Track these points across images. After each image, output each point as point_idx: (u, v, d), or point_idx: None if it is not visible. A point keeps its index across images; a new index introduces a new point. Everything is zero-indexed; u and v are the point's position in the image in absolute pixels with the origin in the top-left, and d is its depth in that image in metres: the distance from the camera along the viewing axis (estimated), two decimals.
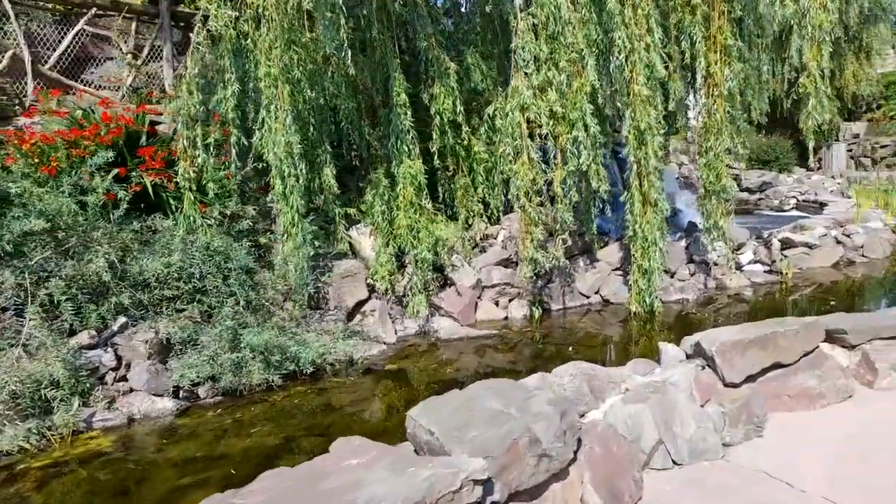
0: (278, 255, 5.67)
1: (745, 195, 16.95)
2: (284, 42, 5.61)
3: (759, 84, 9.36)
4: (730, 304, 7.17)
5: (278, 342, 4.82)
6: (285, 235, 5.51)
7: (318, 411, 4.53)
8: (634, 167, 6.59)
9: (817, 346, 4.44)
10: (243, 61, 5.98)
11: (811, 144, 7.55)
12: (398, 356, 5.74)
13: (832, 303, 6.84)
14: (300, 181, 5.52)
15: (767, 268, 8.51)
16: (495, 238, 7.76)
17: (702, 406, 3.74)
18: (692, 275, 7.96)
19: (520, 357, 5.77)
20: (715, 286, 7.84)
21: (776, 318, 4.59)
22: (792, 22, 7.23)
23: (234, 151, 5.81)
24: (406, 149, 6.50)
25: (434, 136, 6.86)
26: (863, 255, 9.00)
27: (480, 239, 7.66)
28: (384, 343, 5.97)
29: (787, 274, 8.12)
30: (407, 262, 6.57)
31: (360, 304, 6.36)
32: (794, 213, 14.93)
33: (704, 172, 7.33)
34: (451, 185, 7.41)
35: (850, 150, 27.56)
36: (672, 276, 7.92)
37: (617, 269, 7.74)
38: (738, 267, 8.48)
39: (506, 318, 6.93)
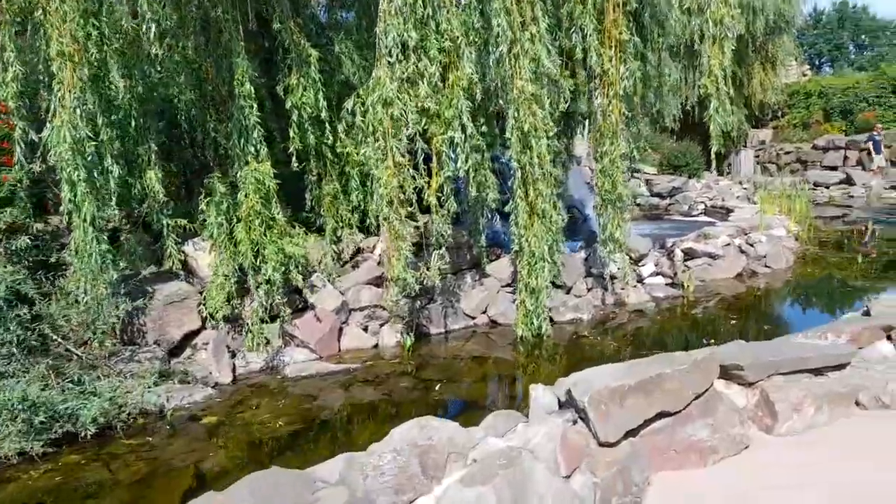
0: (70, 280, 4.51)
1: (655, 200, 16.76)
2: (81, 12, 4.48)
3: (666, 88, 8.88)
4: (626, 324, 6.51)
5: (44, 396, 3.68)
6: (77, 254, 4.36)
7: (90, 492, 3.45)
8: (519, 173, 5.80)
9: (711, 386, 3.75)
10: (36, 37, 4.79)
11: (714, 149, 7.02)
12: (228, 403, 4.69)
13: (733, 321, 6.30)
14: (97, 186, 4.40)
15: (669, 280, 7.97)
16: (371, 252, 6.82)
17: (568, 477, 2.93)
18: (590, 290, 7.29)
19: (381, 399, 4.84)
20: (613, 302, 7.20)
21: (664, 353, 3.91)
22: (701, 27, 6.63)
23: (18, 149, 4.61)
24: (252, 149, 5.46)
25: (292, 135, 5.85)
26: (766, 266, 8.63)
27: (354, 254, 6.71)
28: (214, 385, 4.91)
29: (688, 287, 7.59)
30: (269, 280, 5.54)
31: (191, 335, 5.28)
32: (703, 218, 14.76)
33: (600, 180, 6.65)
34: (319, 192, 6.42)
35: (758, 157, 28.30)
36: (568, 292, 7.22)
37: (507, 285, 6.95)
38: (640, 280, 7.90)
39: (376, 345, 6.00)
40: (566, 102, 6.69)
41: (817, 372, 4.15)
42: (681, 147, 18.94)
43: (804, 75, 33.65)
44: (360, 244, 6.84)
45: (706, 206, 15.94)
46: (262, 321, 5.29)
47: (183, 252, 5.60)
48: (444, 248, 5.89)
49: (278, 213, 5.52)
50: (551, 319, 6.57)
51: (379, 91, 5.18)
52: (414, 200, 5.54)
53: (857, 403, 3.98)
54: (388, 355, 5.79)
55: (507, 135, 5.72)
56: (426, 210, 5.80)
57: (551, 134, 6.06)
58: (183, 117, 5.87)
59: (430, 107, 5.44)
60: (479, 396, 4.85)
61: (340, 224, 6.42)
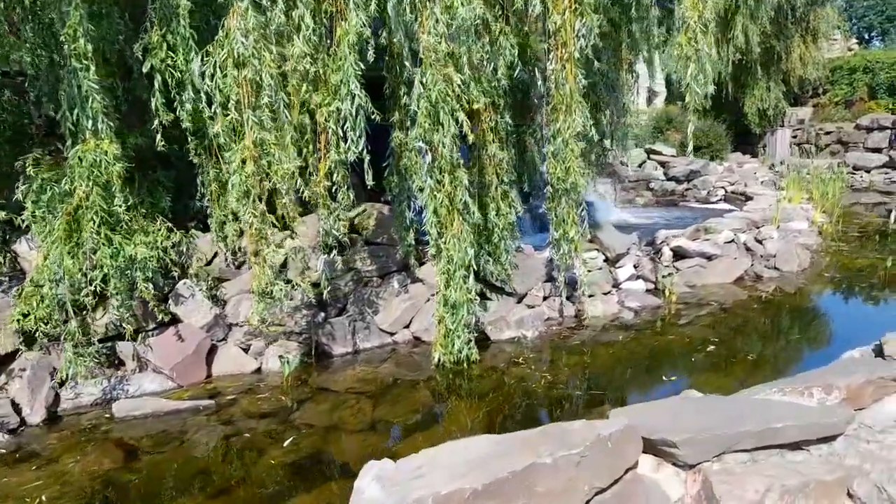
0: None
1: (671, 185, 15.20)
2: None
3: (648, 50, 7.48)
4: (575, 347, 5.19)
5: None
6: None
7: None
8: (428, 157, 4.52)
9: (626, 472, 2.56)
10: None
11: (691, 128, 5.68)
12: (15, 457, 3.60)
13: (711, 347, 4.95)
14: None
15: (651, 285, 6.60)
16: (277, 249, 5.64)
17: None
18: (547, 298, 5.99)
19: (209, 463, 3.66)
20: (574, 314, 5.89)
21: (558, 424, 2.72)
22: None
23: None
24: (89, 123, 4.30)
25: (154, 106, 4.68)
26: (775, 268, 7.17)
27: (253, 254, 5.53)
28: (14, 430, 3.82)
29: (670, 296, 6.22)
30: (108, 291, 4.43)
31: (7, 358, 4.20)
32: (722, 205, 13.21)
33: (551, 165, 5.31)
34: (203, 178, 5.25)
35: (795, 137, 26.28)
36: (520, 301, 5.94)
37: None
38: (616, 284, 6.56)
39: (259, 370, 4.84)
40: (512, 68, 5.37)
41: (794, 446, 2.89)
42: (703, 126, 17.21)
43: (849, 50, 31.11)
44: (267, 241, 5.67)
45: (726, 191, 14.35)
46: (90, 343, 4.18)
47: (13, 252, 4.52)
48: (334, 253, 4.70)
49: (120, 206, 4.36)
50: (486, 337, 5.33)
51: (229, 47, 3.96)
52: (292, 190, 4.34)
53: (850, 496, 2.68)
54: (269, 384, 4.63)
55: (413, 106, 4.44)
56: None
57: (488, 106, 4.78)
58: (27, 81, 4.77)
59: (308, 69, 4.21)
60: (350, 457, 3.64)
61: (229, 218, 5.25)
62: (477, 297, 4.80)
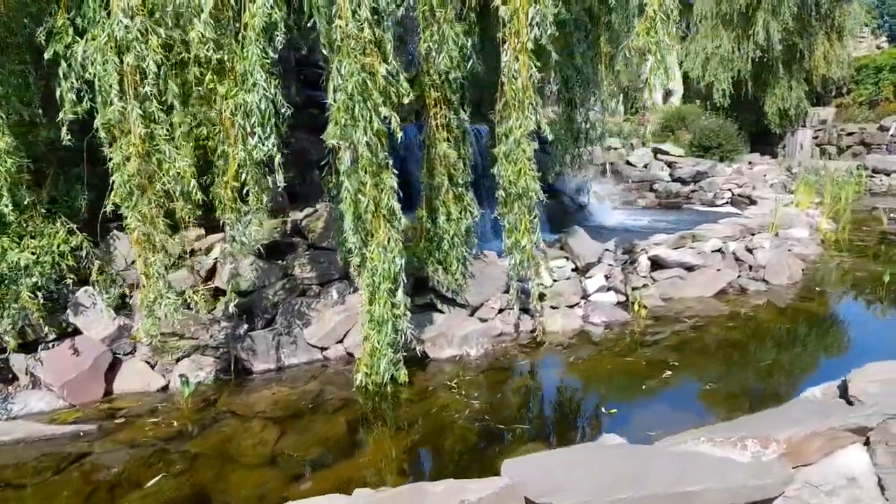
0: None
1: (677, 186, 14.52)
2: None
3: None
4: (519, 371, 4.66)
5: None
6: None
7: None
8: (347, 156, 4.04)
9: None
10: None
11: (649, 128, 5.12)
12: None
13: (668, 373, 4.38)
14: None
15: (623, 297, 6.06)
16: (206, 254, 5.23)
17: None
18: (502, 311, 5.49)
19: None
20: (530, 329, 5.37)
21: (412, 485, 2.26)
22: None
23: None
24: None
25: (60, 95, 4.25)
26: (763, 280, 6.57)
27: (179, 257, 5.10)
28: None
29: (638, 311, 5.67)
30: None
31: None
32: (728, 208, 12.57)
33: (503, 167, 4.79)
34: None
35: (817, 138, 25.40)
36: (473, 313, 5.45)
37: None
38: (585, 296, 6.03)
39: (165, 387, 4.42)
40: (466, 59, 4.87)
41: None
42: (713, 125, 16.49)
43: (878, 48, 30.03)
44: (196, 243, 5.26)
45: (733, 194, 13.66)
46: None
47: None
48: (250, 260, 4.25)
49: (11, 206, 3.94)
50: (425, 354, 4.84)
51: (109, 29, 3.52)
52: (193, 190, 3.89)
53: None
54: (173, 405, 4.20)
55: (329, 100, 3.96)
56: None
57: (439, 101, 4.28)
58: None
59: (211, 56, 3.75)
60: (233, 501, 3.19)
61: (147, 217, 4.81)
62: (408, 313, 4.31)
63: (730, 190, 13.80)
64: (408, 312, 4.33)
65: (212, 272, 5.12)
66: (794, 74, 28.66)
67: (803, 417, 2.69)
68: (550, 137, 4.80)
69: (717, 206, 13.25)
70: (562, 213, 11.17)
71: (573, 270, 6.21)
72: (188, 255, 5.13)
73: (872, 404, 2.64)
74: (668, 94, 25.24)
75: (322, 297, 5.25)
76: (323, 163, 4.96)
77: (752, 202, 11.48)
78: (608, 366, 4.63)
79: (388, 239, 4.14)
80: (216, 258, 5.13)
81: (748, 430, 2.62)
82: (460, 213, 5.24)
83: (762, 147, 30.55)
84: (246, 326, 4.79)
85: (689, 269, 6.43)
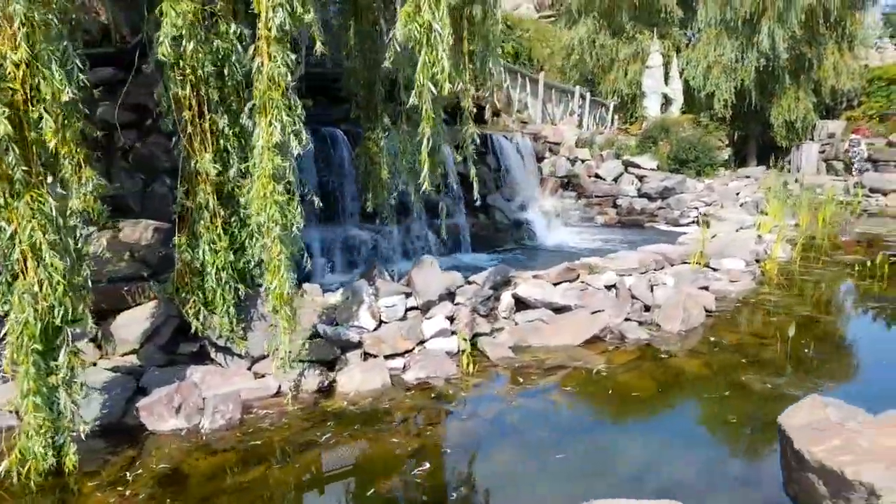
0: None
1: (642, 202, 13.29)
2: None
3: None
4: (244, 459, 3.48)
5: None
6: None
7: None
8: None
9: None
10: None
11: (469, 132, 4.01)
12: None
13: (418, 470, 3.24)
14: None
15: (469, 339, 4.91)
16: None
17: None
18: (302, 361, 4.38)
19: None
20: (316, 388, 4.25)
21: None
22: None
23: None
24: None
25: None
26: (655, 324, 5.38)
27: None
28: None
29: (467, 367, 4.51)
30: None
31: None
32: (693, 228, 11.31)
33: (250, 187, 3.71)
34: None
35: (823, 152, 23.92)
36: (253, 365, 4.37)
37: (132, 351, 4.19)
38: (422, 340, 4.90)
39: None
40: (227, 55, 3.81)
41: None
42: (691, 137, 15.18)
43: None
44: None
45: (699, 212, 12.41)
46: None
47: None
48: None
49: None
50: (142, 426, 3.75)
51: None
52: None
53: None
54: None
55: None
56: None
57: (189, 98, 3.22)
58: None
59: None
60: None
61: None
62: (77, 380, 3.24)
63: (696, 208, 12.56)
64: (77, 380, 3.26)
65: None
66: (801, 85, 27.11)
67: None
68: (298, 149, 3.67)
69: (681, 224, 12.02)
70: (493, 232, 10.02)
71: (412, 310, 5.09)
72: None
73: None
74: (667, 102, 23.86)
75: None
76: None
77: (707, 222, 10.23)
78: (372, 452, 3.48)
79: (39, 282, 3.08)
80: None
81: None
82: (230, 241, 4.19)
83: (768, 160, 28.98)
84: None
85: (557, 310, 5.26)
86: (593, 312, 5.23)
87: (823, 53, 25.42)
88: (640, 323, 5.38)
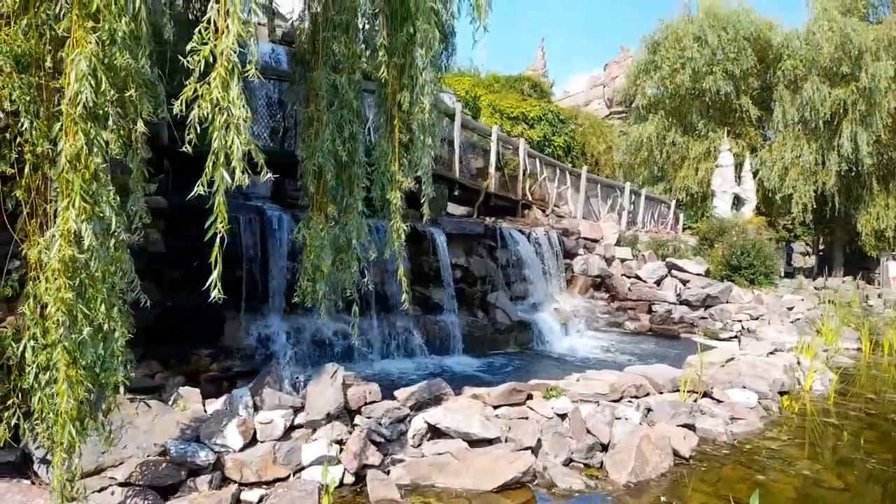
0: None
1: (682, 310, 12.01)
2: None
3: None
4: None
5: None
6: None
7: None
8: None
9: None
10: None
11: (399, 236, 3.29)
12: None
13: None
14: None
15: (352, 478, 4.01)
16: None
17: None
18: (127, 484, 3.64)
19: None
20: None
21: None
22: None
23: None
24: None
25: None
26: (600, 468, 4.27)
27: None
28: None
29: None
30: None
31: None
32: (732, 344, 9.94)
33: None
34: None
35: None
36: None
37: None
38: (300, 468, 4.05)
39: None
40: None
41: None
42: (746, 242, 13.86)
43: None
44: None
45: (743, 327, 11.01)
46: None
47: None
48: None
49: None
50: None
51: None
52: None
53: None
54: None
55: None
56: None
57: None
58: None
59: None
60: None
61: None
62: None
63: (740, 321, 11.17)
64: None
65: None
66: (891, 191, 25.10)
67: None
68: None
69: (721, 339, 10.63)
70: (490, 333, 9.11)
71: (296, 428, 4.27)
72: None
73: None
74: (738, 203, 22.47)
75: None
76: None
77: (739, 340, 8.92)
78: None
79: None
80: None
81: None
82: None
83: (856, 270, 26.60)
84: None
85: (475, 443, 4.29)
86: (520, 449, 4.22)
87: None
88: (585, 467, 4.30)
